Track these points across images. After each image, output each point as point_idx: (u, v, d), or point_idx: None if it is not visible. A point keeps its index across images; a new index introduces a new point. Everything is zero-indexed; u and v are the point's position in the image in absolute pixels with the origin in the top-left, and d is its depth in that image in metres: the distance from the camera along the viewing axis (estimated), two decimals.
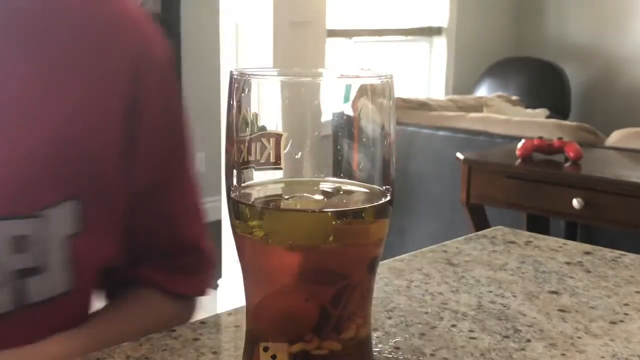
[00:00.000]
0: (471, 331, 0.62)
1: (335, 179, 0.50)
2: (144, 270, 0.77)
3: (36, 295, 0.66)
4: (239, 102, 0.48)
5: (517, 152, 2.36)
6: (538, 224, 2.59)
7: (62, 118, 0.68)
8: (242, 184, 0.49)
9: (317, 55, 3.04)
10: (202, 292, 0.81)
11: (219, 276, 3.27)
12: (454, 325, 0.63)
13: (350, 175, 0.49)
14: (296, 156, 0.48)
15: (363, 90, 0.48)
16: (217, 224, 3.63)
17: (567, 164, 2.30)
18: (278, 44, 2.87)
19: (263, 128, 0.47)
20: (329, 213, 0.47)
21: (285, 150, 0.47)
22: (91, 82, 0.70)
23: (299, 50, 2.95)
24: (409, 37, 5.11)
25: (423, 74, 5.23)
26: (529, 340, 0.60)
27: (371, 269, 0.50)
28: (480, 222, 2.46)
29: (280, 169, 0.48)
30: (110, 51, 0.72)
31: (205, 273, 0.82)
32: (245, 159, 0.48)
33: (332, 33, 4.40)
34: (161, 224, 0.78)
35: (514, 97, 4.30)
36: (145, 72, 0.73)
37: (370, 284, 0.50)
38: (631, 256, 0.82)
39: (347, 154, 0.49)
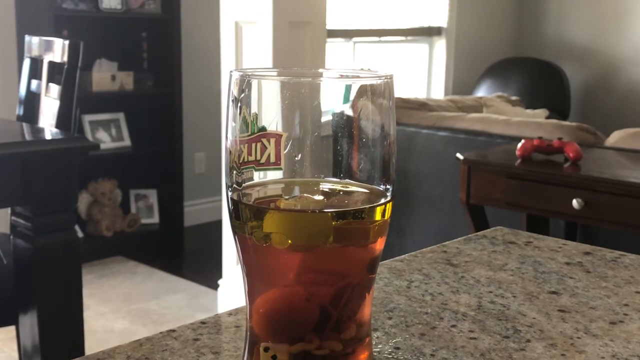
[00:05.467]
0: (471, 331, 0.62)
1: (335, 179, 0.50)
2: None
3: None
4: (239, 102, 0.48)
5: (517, 153, 2.36)
6: (538, 224, 2.59)
7: None
8: (242, 184, 0.49)
9: (317, 55, 3.04)
10: None
11: (219, 276, 3.27)
12: (454, 326, 0.63)
13: (350, 175, 0.49)
14: (296, 156, 0.48)
15: (363, 91, 0.48)
16: (217, 224, 3.63)
17: (567, 164, 2.30)
18: (278, 44, 2.88)
19: (263, 128, 0.47)
20: (329, 213, 0.47)
21: (285, 151, 0.47)
22: None
23: (299, 50, 2.95)
24: (409, 38, 5.11)
25: (423, 74, 5.23)
26: (528, 341, 0.60)
27: (371, 269, 0.50)
28: (480, 222, 2.46)
29: (280, 169, 0.48)
30: None
31: None
32: (245, 159, 0.48)
33: (332, 33, 4.41)
34: None
35: (514, 98, 4.31)
36: None
37: (370, 284, 0.50)
38: (631, 256, 0.82)
39: (347, 154, 0.49)
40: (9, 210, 1.87)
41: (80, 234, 1.84)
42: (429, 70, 5.24)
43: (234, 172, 0.49)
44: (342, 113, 0.48)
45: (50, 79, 2.16)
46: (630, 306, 0.68)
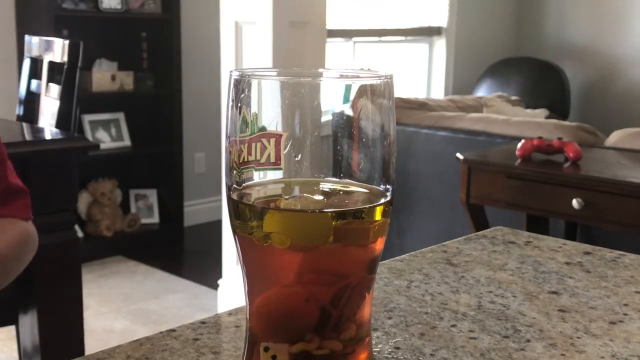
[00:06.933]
0: (471, 331, 0.62)
1: (335, 179, 0.50)
2: None
3: None
4: (239, 102, 0.48)
5: (517, 153, 2.36)
6: (538, 224, 2.59)
7: None
8: (242, 184, 0.49)
9: (317, 55, 3.04)
10: (27, 213, 1.18)
11: (219, 276, 3.27)
12: (454, 325, 0.63)
13: (350, 175, 0.49)
14: (296, 156, 0.48)
15: (363, 91, 0.48)
16: (217, 224, 3.63)
17: (567, 164, 2.30)
18: (278, 44, 2.88)
19: (263, 128, 0.47)
20: (329, 213, 0.47)
21: (285, 150, 0.47)
22: None
23: (299, 50, 2.95)
24: (409, 38, 5.11)
25: (423, 74, 5.23)
26: (528, 341, 0.60)
27: (371, 269, 0.50)
28: (480, 222, 2.46)
29: (280, 169, 0.48)
30: None
31: (25, 198, 1.19)
32: (245, 159, 0.48)
33: (332, 33, 4.41)
34: None
35: (514, 97, 4.31)
36: None
37: (370, 284, 0.50)
38: (631, 256, 0.82)
39: (347, 154, 0.49)
40: None
41: (80, 234, 1.85)
42: (429, 70, 5.24)
43: (234, 172, 0.49)
44: (342, 113, 0.48)
45: (50, 79, 2.16)
46: (630, 306, 0.68)
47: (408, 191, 3.08)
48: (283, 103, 0.47)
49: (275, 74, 0.50)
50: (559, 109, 4.82)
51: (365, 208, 0.48)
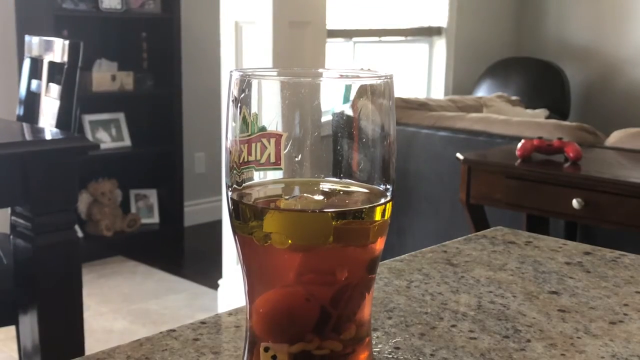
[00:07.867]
0: (471, 331, 0.62)
1: (335, 179, 0.50)
2: None
3: None
4: (239, 102, 0.48)
5: (517, 153, 2.36)
6: (538, 224, 2.59)
7: None
8: (242, 184, 0.49)
9: (317, 55, 3.04)
10: None
11: (219, 276, 3.27)
12: (454, 326, 0.63)
13: (350, 175, 0.49)
14: (296, 156, 0.48)
15: (363, 91, 0.48)
16: (217, 224, 3.63)
17: (567, 164, 2.30)
18: (278, 44, 2.88)
19: (263, 128, 0.47)
20: (329, 213, 0.47)
21: (285, 150, 0.47)
22: None
23: (299, 50, 2.95)
24: (409, 38, 5.11)
25: (423, 74, 5.23)
26: (528, 341, 0.60)
27: (371, 269, 0.50)
28: (480, 222, 2.46)
29: (280, 169, 0.48)
30: None
31: None
32: (245, 159, 0.48)
33: (332, 33, 4.40)
34: None
35: (514, 98, 4.31)
36: None
37: (370, 284, 0.50)
38: (631, 256, 0.82)
39: (347, 154, 0.49)
40: (9, 210, 1.87)
41: (80, 234, 1.85)
42: (429, 70, 5.24)
43: (234, 172, 0.49)
44: (342, 113, 0.48)
45: (51, 79, 2.16)
46: (630, 306, 0.68)
47: (408, 191, 3.08)
48: (283, 103, 0.47)
49: (275, 74, 0.50)
50: (559, 109, 4.82)
51: (365, 208, 0.48)
